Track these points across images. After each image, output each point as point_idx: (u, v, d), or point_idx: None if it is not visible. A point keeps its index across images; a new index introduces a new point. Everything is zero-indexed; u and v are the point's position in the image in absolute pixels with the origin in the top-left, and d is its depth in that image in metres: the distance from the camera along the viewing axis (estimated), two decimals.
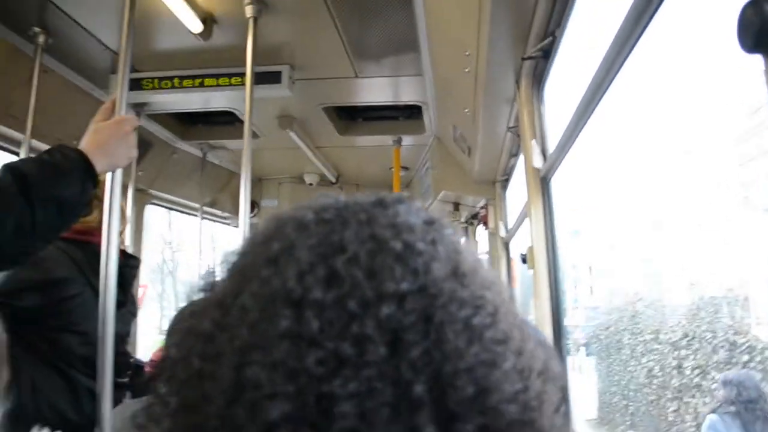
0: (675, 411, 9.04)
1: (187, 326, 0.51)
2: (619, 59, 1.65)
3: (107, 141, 1.65)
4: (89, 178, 1.57)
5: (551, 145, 2.44)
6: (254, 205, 5.48)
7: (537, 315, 2.56)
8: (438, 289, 0.45)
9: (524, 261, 2.81)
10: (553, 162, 2.37)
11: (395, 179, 4.31)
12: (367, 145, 4.45)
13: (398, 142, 4.23)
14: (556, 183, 2.53)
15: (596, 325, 12.77)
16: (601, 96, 1.84)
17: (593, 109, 1.91)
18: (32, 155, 2.00)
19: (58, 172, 1.50)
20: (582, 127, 2.05)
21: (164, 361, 0.51)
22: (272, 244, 0.49)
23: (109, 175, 1.74)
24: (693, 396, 8.61)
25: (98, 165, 1.59)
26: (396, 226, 0.48)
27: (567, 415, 1.75)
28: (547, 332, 2.45)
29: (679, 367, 9.01)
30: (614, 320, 11.49)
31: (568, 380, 2.63)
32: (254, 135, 4.15)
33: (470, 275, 0.49)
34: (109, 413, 1.64)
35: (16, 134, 2.99)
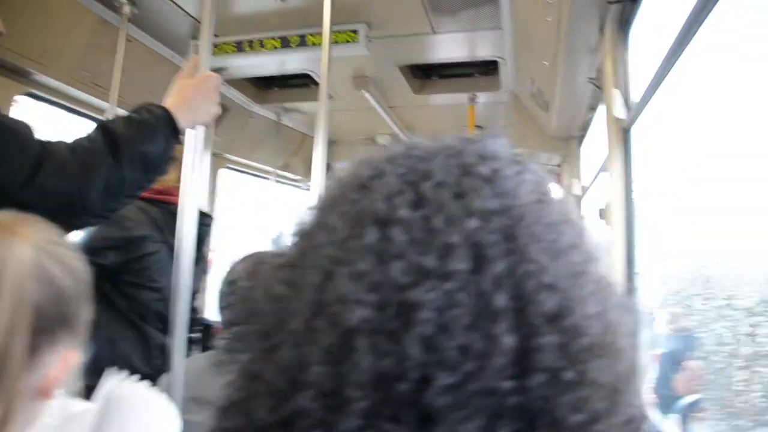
0: (744, 380, 8.77)
1: (267, 267, 0.52)
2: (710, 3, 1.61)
3: (191, 98, 1.68)
4: (173, 135, 1.61)
5: (634, 96, 2.41)
6: (327, 167, 5.52)
7: (611, 272, 2.53)
8: (524, 210, 0.47)
9: (601, 217, 2.78)
10: (636, 112, 2.33)
11: None
12: (441, 104, 4.41)
13: (473, 99, 4.17)
14: (639, 135, 2.50)
15: (666, 290, 12.42)
16: (688, 42, 1.80)
17: (679, 56, 1.88)
18: None
19: (145, 129, 1.55)
20: (667, 74, 2.01)
21: (244, 301, 0.53)
22: (362, 173, 0.51)
23: (190, 134, 1.78)
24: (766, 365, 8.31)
25: (182, 121, 1.63)
26: (484, 155, 0.49)
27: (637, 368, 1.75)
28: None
29: (752, 334, 8.73)
30: (686, 284, 11.17)
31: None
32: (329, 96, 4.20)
33: (555, 204, 0.51)
34: (181, 365, 1.69)
35: (102, 103, 3.13)
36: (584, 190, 3.91)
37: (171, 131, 1.60)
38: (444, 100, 4.31)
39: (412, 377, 0.41)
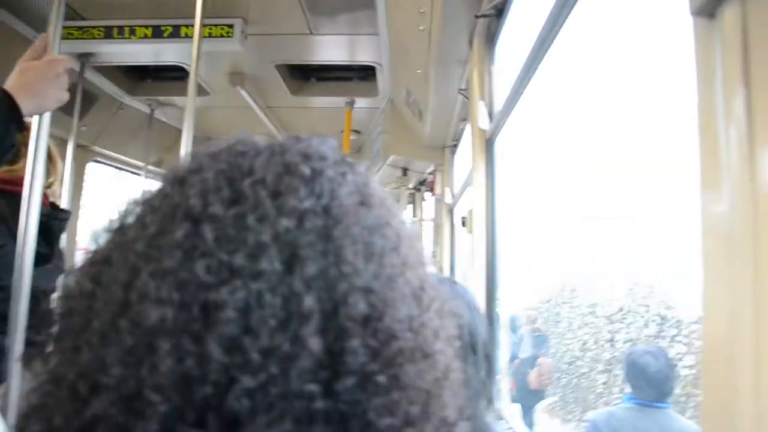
0: (604, 383, 9.35)
1: (84, 259, 0.50)
2: (562, 15, 1.69)
3: (36, 81, 1.55)
4: (13, 120, 1.49)
5: (498, 108, 2.49)
6: None
7: (473, 277, 2.61)
8: (342, 211, 0.47)
9: (464, 224, 2.86)
10: (497, 123, 2.42)
11: (345, 142, 4.29)
12: (319, 107, 4.42)
13: (351, 104, 4.21)
14: (502, 146, 2.59)
15: (538, 299, 13.07)
16: (544, 55, 1.89)
17: (536, 68, 1.96)
18: None
19: None
20: (525, 88, 2.09)
21: (60, 299, 0.50)
22: (181, 167, 0.49)
23: (35, 119, 1.67)
24: (623, 368, 8.87)
25: (24, 106, 1.51)
26: (308, 155, 0.49)
27: (490, 376, 1.78)
28: (481, 296, 2.50)
29: (612, 340, 9.31)
30: (555, 293, 11.78)
31: (493, 346, 2.68)
32: (204, 92, 4.09)
33: (377, 206, 0.50)
34: (18, 372, 1.57)
35: None
36: (456, 198, 4.01)
37: (10, 116, 1.48)
38: (322, 102, 4.31)
39: (215, 380, 0.40)
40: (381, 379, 0.45)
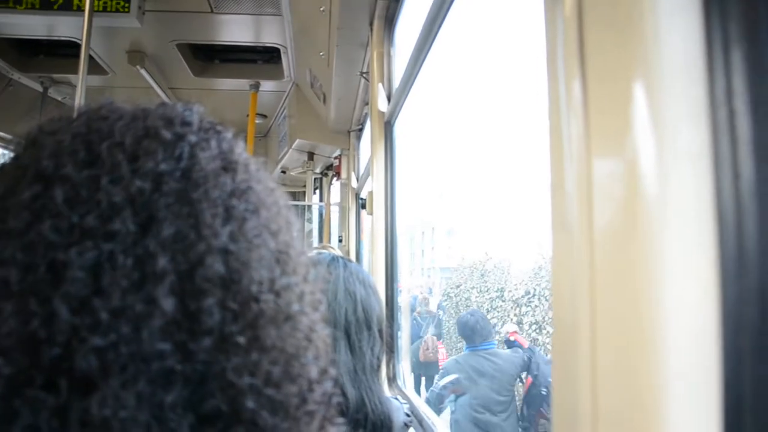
0: None
1: None
2: None
3: None
4: None
5: (396, 90, 2.52)
6: None
7: (372, 259, 2.64)
8: (202, 175, 0.47)
9: (363, 206, 2.88)
10: (395, 104, 2.44)
11: (250, 126, 4.23)
12: (224, 89, 4.33)
13: (256, 86, 4.14)
14: (401, 129, 2.62)
15: (448, 284, 13.33)
16: (435, 36, 1.93)
17: (428, 50, 2.00)
18: None
19: None
20: (419, 70, 2.13)
21: None
22: (37, 130, 0.49)
23: None
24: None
25: None
26: (171, 120, 0.49)
27: (385, 352, 1.78)
28: (381, 276, 2.54)
29: (519, 323, 9.63)
30: (465, 278, 12.05)
31: (392, 324, 2.72)
32: (101, 71, 3.93)
33: (241, 172, 0.51)
34: None
35: None
36: (361, 182, 4.03)
37: None
38: (227, 85, 4.23)
39: (63, 341, 0.39)
40: (240, 339, 0.45)
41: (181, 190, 0.45)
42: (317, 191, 5.30)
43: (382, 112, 2.54)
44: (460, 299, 11.78)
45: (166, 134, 0.47)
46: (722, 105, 0.51)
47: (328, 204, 4.81)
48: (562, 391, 0.61)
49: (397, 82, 2.53)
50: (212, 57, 4.02)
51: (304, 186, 4.96)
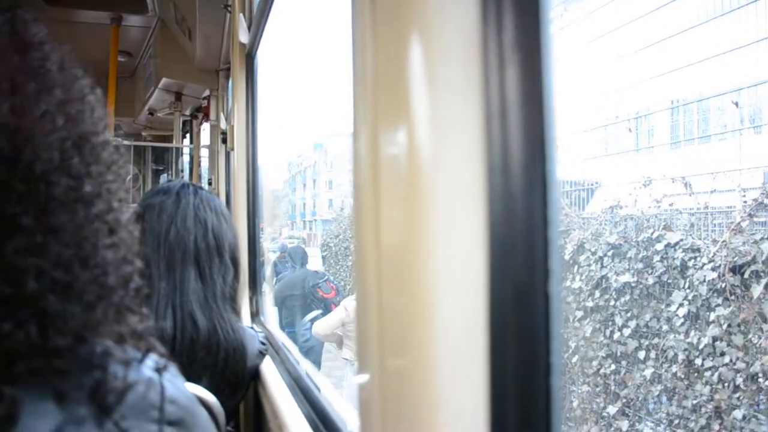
0: None
1: None
2: None
3: None
4: None
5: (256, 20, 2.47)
6: None
7: (234, 196, 2.62)
8: None
9: (224, 141, 2.85)
10: (255, 35, 2.41)
11: (112, 63, 4.00)
12: (83, 21, 4.05)
13: (117, 20, 3.91)
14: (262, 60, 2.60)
15: (327, 234, 13.43)
16: None
17: None
18: None
19: None
20: None
21: None
22: None
23: None
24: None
25: None
26: None
27: (237, 279, 1.77)
28: (242, 212, 2.53)
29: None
30: (343, 229, 12.18)
31: (254, 258, 2.71)
32: None
33: (32, 51, 0.52)
34: None
35: None
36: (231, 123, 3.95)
37: None
38: (85, 17, 3.96)
39: None
40: (24, 220, 0.46)
41: None
42: (188, 135, 5.13)
43: (244, 44, 2.50)
44: (340, 248, 11.90)
45: None
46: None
47: (197, 146, 4.67)
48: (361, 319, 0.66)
49: (258, 12, 2.49)
50: None
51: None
